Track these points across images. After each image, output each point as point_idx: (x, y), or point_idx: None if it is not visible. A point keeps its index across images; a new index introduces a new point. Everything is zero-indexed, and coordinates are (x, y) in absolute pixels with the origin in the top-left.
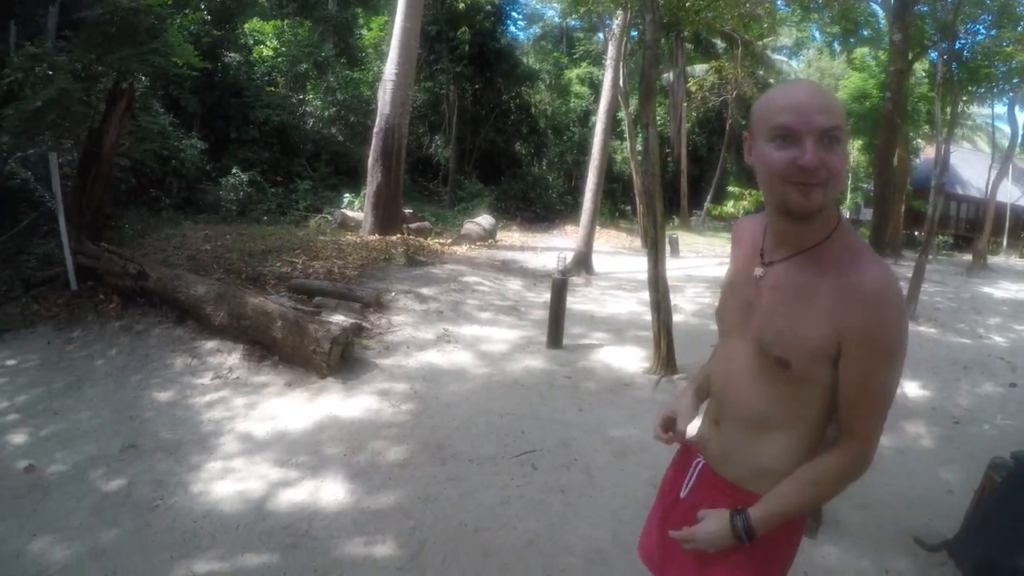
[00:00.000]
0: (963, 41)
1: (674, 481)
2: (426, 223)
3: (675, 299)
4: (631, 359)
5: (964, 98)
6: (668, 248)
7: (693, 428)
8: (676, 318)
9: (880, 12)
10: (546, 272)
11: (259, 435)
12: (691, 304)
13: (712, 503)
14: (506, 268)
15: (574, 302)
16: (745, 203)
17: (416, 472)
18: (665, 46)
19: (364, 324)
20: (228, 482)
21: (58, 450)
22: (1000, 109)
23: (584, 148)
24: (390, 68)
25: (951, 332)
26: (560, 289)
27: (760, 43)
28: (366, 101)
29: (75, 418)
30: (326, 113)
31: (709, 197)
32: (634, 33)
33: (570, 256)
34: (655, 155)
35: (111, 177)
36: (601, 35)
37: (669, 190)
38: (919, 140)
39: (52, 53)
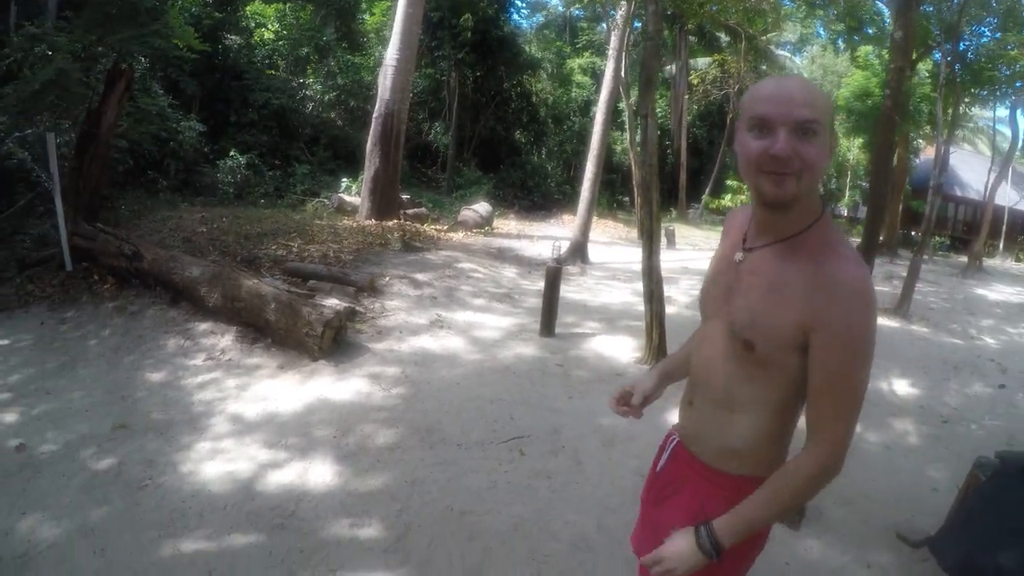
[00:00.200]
0: (967, 43)
1: (656, 460)
2: (423, 209)
3: (669, 290)
4: (623, 348)
5: (966, 100)
6: (664, 240)
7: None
8: (669, 309)
9: (885, 11)
10: (541, 260)
11: (249, 416)
12: (684, 296)
13: (683, 479)
14: (501, 255)
15: (568, 291)
16: (743, 197)
17: (405, 455)
18: (668, 38)
19: (358, 308)
20: (217, 463)
21: (49, 429)
22: (1002, 112)
23: (584, 138)
24: (391, 53)
25: (943, 332)
26: (554, 277)
27: (764, 38)
28: (366, 86)
29: (67, 398)
30: (326, 97)
31: (707, 190)
32: (638, 24)
33: (566, 245)
34: (653, 146)
35: (108, 158)
36: (604, 25)
37: (668, 182)
38: (920, 140)
39: (52, 33)
